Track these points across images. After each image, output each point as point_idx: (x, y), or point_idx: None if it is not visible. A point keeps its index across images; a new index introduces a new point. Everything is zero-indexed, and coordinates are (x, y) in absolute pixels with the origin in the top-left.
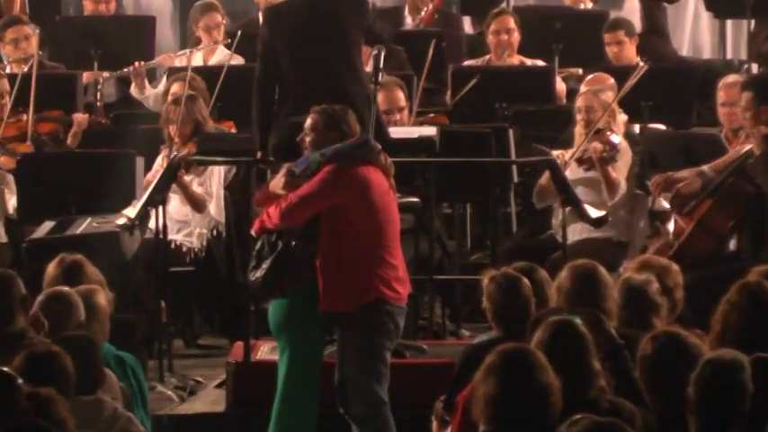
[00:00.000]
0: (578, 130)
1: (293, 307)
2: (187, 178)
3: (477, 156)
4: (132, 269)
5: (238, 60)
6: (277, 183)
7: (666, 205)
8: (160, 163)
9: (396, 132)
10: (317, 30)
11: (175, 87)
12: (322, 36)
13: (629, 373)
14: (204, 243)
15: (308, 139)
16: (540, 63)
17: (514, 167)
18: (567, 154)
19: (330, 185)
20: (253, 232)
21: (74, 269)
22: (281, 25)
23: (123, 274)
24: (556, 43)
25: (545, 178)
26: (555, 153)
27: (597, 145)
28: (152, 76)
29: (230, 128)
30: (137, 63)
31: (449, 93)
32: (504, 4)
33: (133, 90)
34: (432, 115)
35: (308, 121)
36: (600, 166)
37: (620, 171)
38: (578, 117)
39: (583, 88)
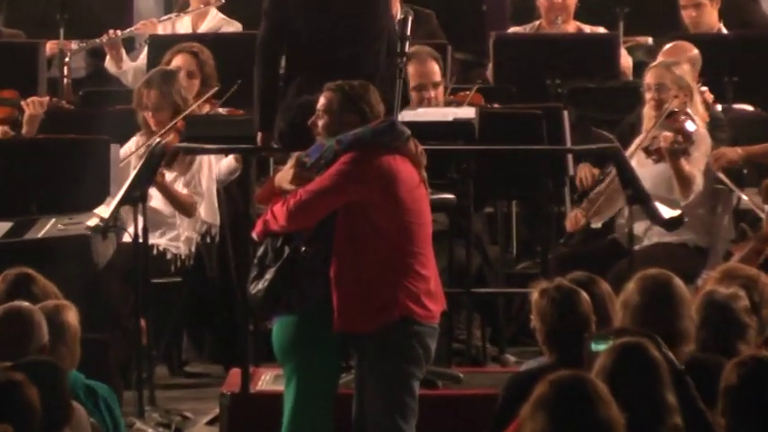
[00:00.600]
0: (647, 112)
1: (302, 327)
2: (169, 177)
3: (524, 143)
4: (106, 280)
5: (235, 27)
6: (284, 176)
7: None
8: (132, 148)
9: (427, 114)
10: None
11: (178, 61)
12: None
13: (695, 402)
14: (193, 249)
15: (320, 122)
16: (602, 30)
17: (570, 157)
18: (634, 142)
19: (348, 178)
20: (254, 235)
21: (20, 286)
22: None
23: (95, 287)
24: (621, 6)
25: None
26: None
27: (668, 133)
28: (130, 47)
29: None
30: (112, 31)
31: (490, 66)
32: None
33: (108, 64)
34: (468, 93)
35: (321, 101)
36: (670, 157)
37: (697, 163)
38: (647, 95)
39: (658, 59)
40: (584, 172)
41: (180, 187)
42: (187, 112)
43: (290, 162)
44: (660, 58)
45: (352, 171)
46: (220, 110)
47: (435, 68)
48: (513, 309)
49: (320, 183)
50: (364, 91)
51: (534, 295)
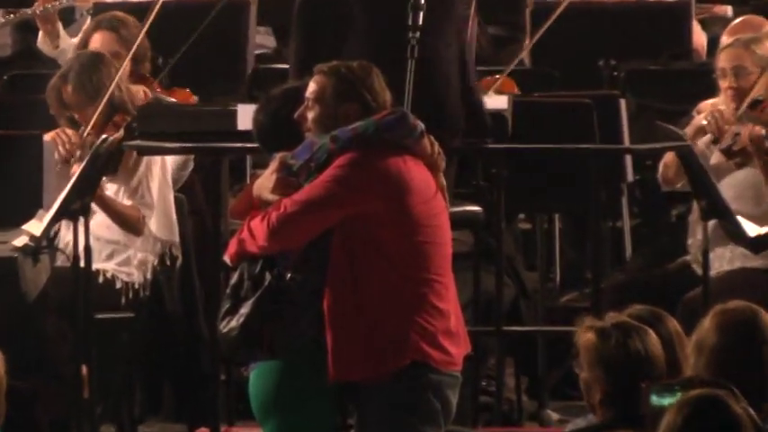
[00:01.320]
0: (724, 101)
1: (287, 375)
2: (110, 189)
3: (569, 141)
4: (37, 315)
5: None
6: (264, 183)
7: None
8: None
9: None
10: None
11: (96, 42)
12: None
13: None
14: (149, 275)
15: (310, 114)
16: None
17: (629, 158)
18: (701, 140)
19: (346, 186)
20: (226, 258)
21: None
22: None
23: (22, 323)
24: None
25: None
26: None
27: (755, 128)
28: (69, 19)
29: (187, 99)
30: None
31: (527, 42)
32: None
33: (41, 41)
34: (498, 77)
35: (311, 87)
36: (760, 159)
37: None
38: (722, 84)
39: (726, 39)
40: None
41: (123, 198)
42: (105, 101)
43: (272, 166)
44: (725, 37)
45: (350, 177)
46: (170, 97)
47: None
48: (557, 352)
49: (310, 192)
50: (365, 74)
51: (581, 335)
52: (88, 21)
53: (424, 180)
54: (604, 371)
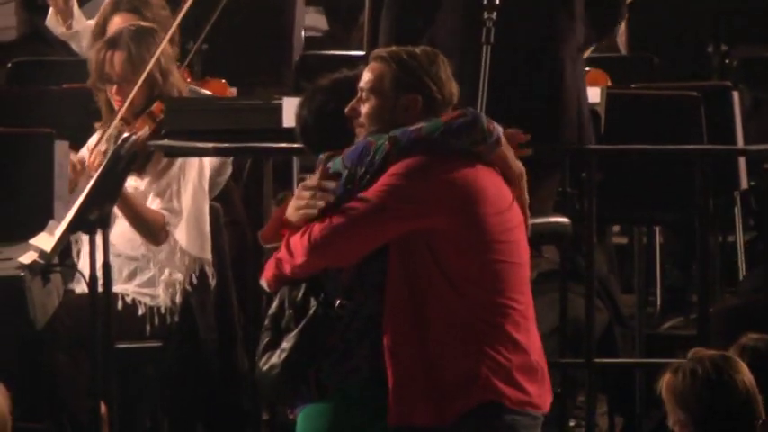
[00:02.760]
0: None
1: (339, 418)
2: (132, 185)
3: (673, 140)
4: (48, 345)
5: None
6: (302, 199)
7: None
8: (89, 153)
9: None
10: None
11: (116, 23)
12: None
13: None
14: (178, 298)
15: (364, 108)
16: None
17: (742, 161)
18: None
19: (405, 197)
20: (263, 283)
21: None
22: None
23: (31, 354)
24: None
25: None
26: None
27: None
28: None
29: (222, 91)
30: None
31: (622, 27)
32: None
33: (51, 20)
34: (587, 70)
35: (366, 76)
36: None
37: None
38: None
39: None
40: None
41: (149, 200)
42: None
43: (315, 175)
44: None
45: (410, 186)
46: (202, 89)
47: None
48: (657, 388)
49: (362, 201)
50: (430, 61)
51: (668, 375)
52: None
53: (498, 190)
54: (689, 409)
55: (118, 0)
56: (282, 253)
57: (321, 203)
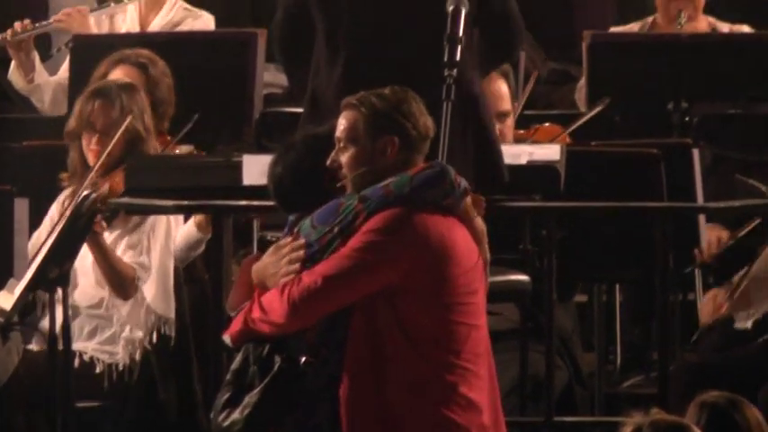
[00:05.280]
0: None
1: None
2: (108, 236)
3: (633, 198)
4: (7, 404)
5: (204, 21)
6: (268, 268)
7: None
8: (55, 214)
9: None
10: None
11: (118, 74)
12: None
13: None
14: (137, 355)
15: (344, 157)
16: (746, 29)
17: (702, 219)
18: None
19: (379, 254)
20: (227, 338)
21: None
22: None
23: None
24: None
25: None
26: None
27: None
28: (45, 54)
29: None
30: (19, 24)
31: (582, 81)
32: None
33: (12, 74)
34: (547, 125)
35: (341, 125)
36: None
37: None
38: None
39: None
40: (711, 235)
41: (120, 250)
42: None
43: (271, 249)
44: None
45: (385, 242)
46: (179, 149)
47: (503, 90)
48: None
49: (336, 262)
50: (399, 99)
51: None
52: (67, 58)
53: (466, 245)
54: None
55: (125, 54)
56: (256, 312)
57: (296, 267)
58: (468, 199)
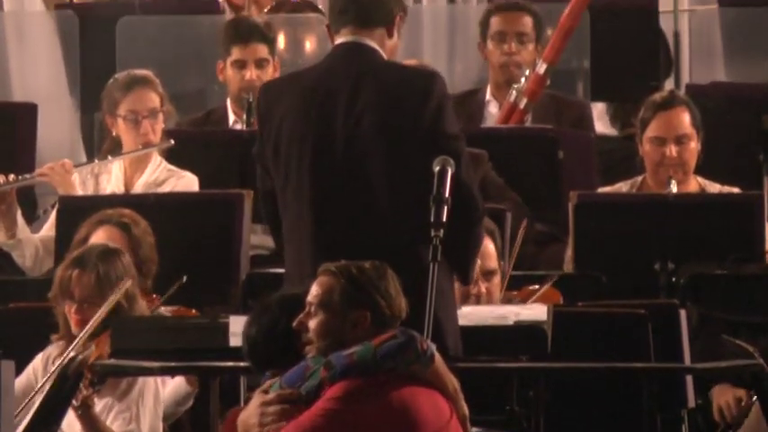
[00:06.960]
0: None
1: None
2: (97, 403)
3: (620, 359)
4: None
5: (187, 182)
6: (250, 419)
7: None
8: (39, 366)
9: (475, 315)
10: (341, 127)
11: (100, 236)
12: (348, 136)
13: None
14: None
15: (312, 323)
16: (735, 191)
17: (689, 380)
18: None
19: (338, 423)
20: None
21: None
22: (278, 115)
23: None
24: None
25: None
26: None
27: None
28: (30, 214)
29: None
30: (2, 176)
31: (570, 241)
32: (670, 83)
33: None
34: (536, 287)
35: (315, 290)
36: None
37: None
38: None
39: None
40: (726, 398)
41: (110, 419)
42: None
43: (256, 399)
44: None
45: (346, 411)
46: (163, 309)
47: (488, 248)
48: None
49: (300, 428)
50: (379, 275)
51: None
52: (52, 216)
53: (434, 408)
54: None
55: (109, 214)
56: None
57: (283, 424)
58: (438, 359)
